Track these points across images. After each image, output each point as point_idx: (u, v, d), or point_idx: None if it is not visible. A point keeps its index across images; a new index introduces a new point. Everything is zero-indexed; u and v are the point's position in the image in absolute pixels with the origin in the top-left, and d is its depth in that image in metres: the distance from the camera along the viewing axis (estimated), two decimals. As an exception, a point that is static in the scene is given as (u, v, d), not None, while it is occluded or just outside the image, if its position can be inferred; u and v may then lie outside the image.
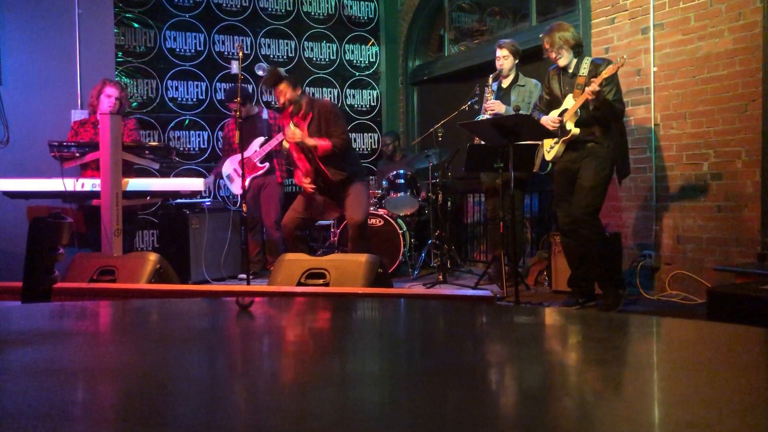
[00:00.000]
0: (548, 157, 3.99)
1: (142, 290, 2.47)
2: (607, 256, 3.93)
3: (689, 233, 4.35)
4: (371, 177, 6.50)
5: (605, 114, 3.74)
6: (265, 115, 5.72)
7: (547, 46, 3.88)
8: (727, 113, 4.09)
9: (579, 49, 3.89)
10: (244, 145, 5.59)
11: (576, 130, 3.80)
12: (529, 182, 5.21)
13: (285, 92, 4.31)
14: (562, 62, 3.87)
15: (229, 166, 5.72)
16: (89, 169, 4.36)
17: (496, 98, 4.73)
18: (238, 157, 5.56)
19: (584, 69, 3.78)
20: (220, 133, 6.33)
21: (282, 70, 4.57)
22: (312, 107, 4.35)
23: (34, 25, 5.04)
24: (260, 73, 4.77)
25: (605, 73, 3.60)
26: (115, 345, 1.08)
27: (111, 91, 4.67)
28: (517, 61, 4.81)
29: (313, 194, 4.47)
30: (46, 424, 0.62)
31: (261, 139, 5.62)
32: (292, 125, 4.37)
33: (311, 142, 4.30)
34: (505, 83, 4.84)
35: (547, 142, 3.99)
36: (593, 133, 3.80)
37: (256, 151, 5.61)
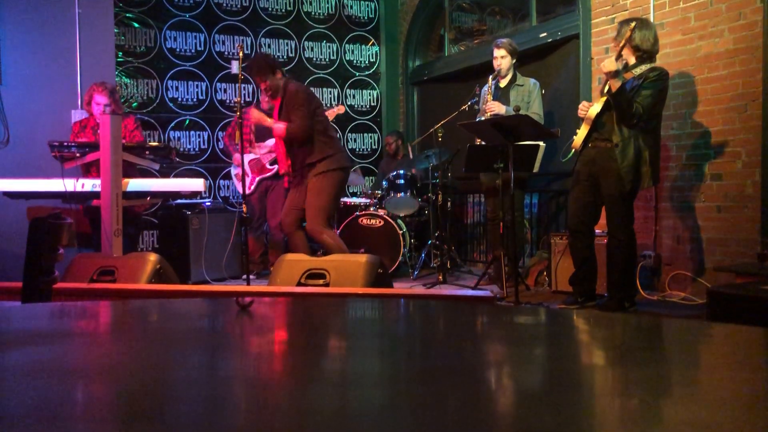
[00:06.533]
0: (574, 143, 3.92)
1: (142, 290, 2.47)
2: (629, 265, 3.85)
3: (689, 233, 4.35)
4: (355, 167, 6.34)
5: (621, 108, 3.58)
6: None
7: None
8: (727, 113, 4.09)
9: (645, 56, 3.72)
10: (257, 140, 5.50)
11: (596, 109, 3.71)
12: (529, 182, 5.20)
13: (262, 83, 4.25)
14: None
15: (239, 165, 5.52)
16: (92, 173, 4.35)
17: (494, 98, 4.73)
18: (248, 156, 5.50)
19: (638, 70, 3.67)
20: (221, 134, 6.29)
21: (263, 56, 4.43)
22: (284, 91, 4.27)
23: (34, 25, 5.04)
24: None
25: (624, 37, 3.54)
26: (115, 345, 1.08)
27: (100, 99, 4.63)
28: (514, 61, 4.80)
29: (298, 184, 4.37)
30: (46, 425, 0.62)
31: (273, 140, 5.55)
32: (255, 110, 4.37)
33: (267, 123, 4.26)
34: (503, 83, 4.82)
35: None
36: (613, 135, 3.68)
37: (266, 152, 5.54)
